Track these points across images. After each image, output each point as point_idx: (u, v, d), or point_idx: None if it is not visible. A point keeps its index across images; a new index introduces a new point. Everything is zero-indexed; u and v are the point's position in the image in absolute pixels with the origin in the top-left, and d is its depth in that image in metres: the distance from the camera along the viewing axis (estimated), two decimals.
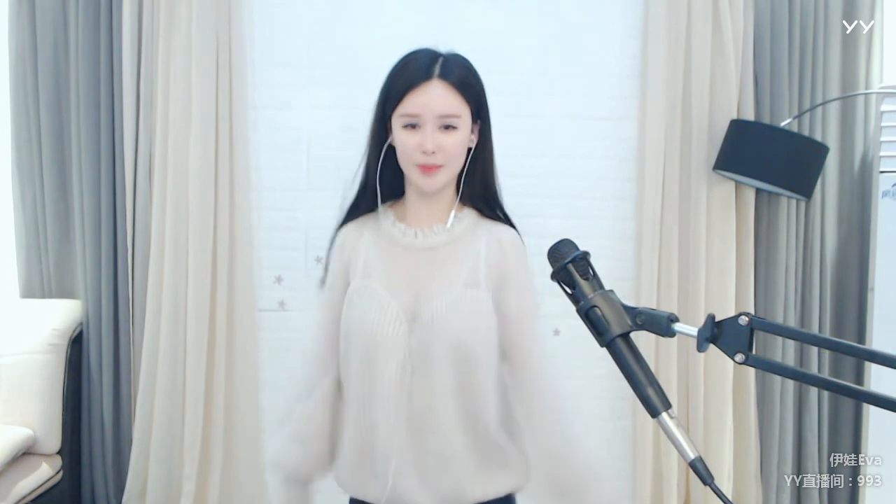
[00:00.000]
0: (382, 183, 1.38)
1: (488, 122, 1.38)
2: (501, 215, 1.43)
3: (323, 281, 1.46)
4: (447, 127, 1.30)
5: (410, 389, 1.31)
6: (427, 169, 1.30)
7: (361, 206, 1.41)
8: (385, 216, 1.39)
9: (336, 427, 1.44)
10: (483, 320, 1.33)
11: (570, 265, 0.97)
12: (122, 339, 2.62)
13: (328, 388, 1.42)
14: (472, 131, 1.35)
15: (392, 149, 1.36)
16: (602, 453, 2.76)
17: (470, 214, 1.40)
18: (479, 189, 1.39)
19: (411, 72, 1.30)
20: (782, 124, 2.52)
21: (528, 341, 1.37)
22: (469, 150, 1.36)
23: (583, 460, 1.37)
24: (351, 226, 1.43)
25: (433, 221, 1.37)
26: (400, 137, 1.31)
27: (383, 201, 1.40)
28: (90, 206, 2.58)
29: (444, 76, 1.29)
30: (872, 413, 2.58)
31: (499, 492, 1.38)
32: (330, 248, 1.45)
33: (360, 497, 1.39)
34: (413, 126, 1.30)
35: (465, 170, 1.36)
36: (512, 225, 1.43)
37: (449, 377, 1.30)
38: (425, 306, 1.31)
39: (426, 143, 1.28)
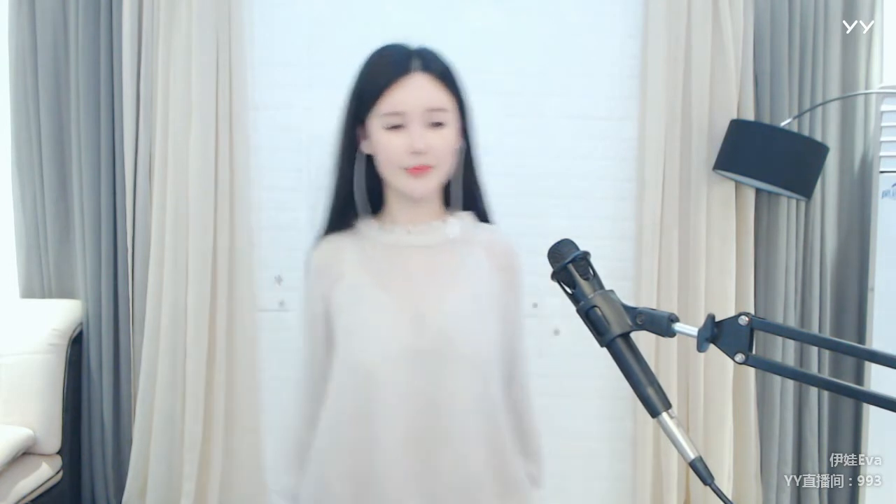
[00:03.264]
0: (361, 196, 1.23)
1: (472, 122, 1.24)
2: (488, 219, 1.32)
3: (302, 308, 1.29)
4: (435, 124, 1.16)
5: (420, 400, 1.15)
6: (417, 170, 1.15)
7: (339, 222, 1.25)
8: (368, 226, 1.25)
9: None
10: (494, 327, 1.21)
11: (570, 265, 0.97)
12: (122, 339, 2.62)
13: None
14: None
15: (363, 158, 1.22)
16: (602, 453, 2.78)
17: (466, 217, 1.27)
18: (472, 193, 1.27)
19: (387, 67, 1.16)
20: (782, 124, 2.51)
21: (520, 349, 1.27)
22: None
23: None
24: (325, 246, 1.26)
25: (421, 223, 1.24)
26: (382, 141, 1.16)
27: (360, 217, 1.24)
28: (90, 206, 2.58)
29: (426, 68, 1.15)
30: (872, 413, 2.58)
31: None
32: (306, 276, 1.27)
33: None
34: (396, 127, 1.15)
35: (454, 174, 1.23)
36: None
37: (464, 387, 1.16)
38: (433, 309, 1.17)
39: (415, 142, 1.13)
